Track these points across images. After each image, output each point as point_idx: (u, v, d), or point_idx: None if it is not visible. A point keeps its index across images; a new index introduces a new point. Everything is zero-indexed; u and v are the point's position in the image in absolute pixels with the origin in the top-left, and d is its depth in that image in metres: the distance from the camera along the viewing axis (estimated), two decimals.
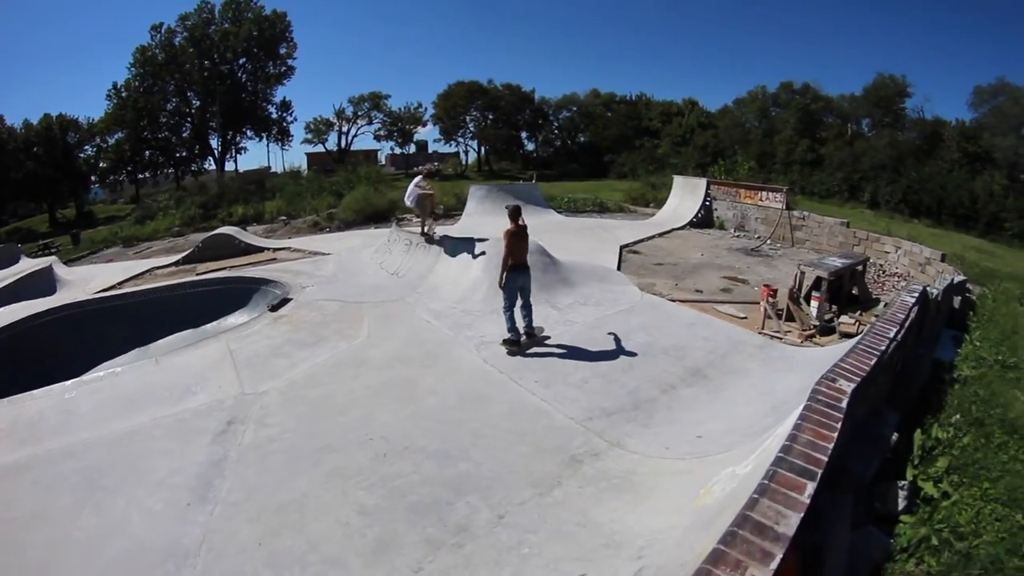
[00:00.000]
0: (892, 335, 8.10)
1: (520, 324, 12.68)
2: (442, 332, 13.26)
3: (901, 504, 7.09)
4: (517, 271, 12.47)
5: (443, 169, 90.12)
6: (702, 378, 10.73)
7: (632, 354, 11.86)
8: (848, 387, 5.89)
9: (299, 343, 12.89)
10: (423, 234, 19.25)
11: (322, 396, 10.24)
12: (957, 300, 16.00)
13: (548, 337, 13.06)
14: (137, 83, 74.41)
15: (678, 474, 7.34)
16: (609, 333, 12.94)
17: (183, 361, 12.18)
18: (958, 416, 9.00)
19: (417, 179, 19.77)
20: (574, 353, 12.01)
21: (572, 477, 7.60)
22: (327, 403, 9.97)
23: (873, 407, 7.96)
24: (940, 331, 14.30)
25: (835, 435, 4.93)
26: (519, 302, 12.71)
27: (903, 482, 7.32)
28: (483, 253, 16.30)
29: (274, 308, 15.39)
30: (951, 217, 49.79)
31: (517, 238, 12.46)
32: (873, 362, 6.83)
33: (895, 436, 7.68)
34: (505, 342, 12.47)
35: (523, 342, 12.55)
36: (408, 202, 19.59)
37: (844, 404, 5.50)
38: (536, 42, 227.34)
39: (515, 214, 12.65)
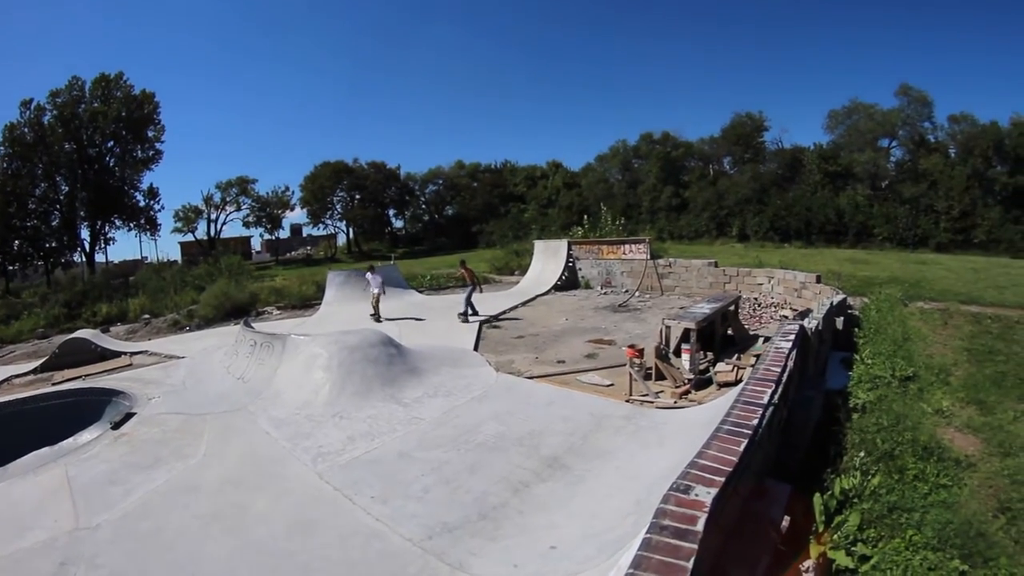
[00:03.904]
0: (767, 399, 6.85)
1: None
2: (279, 445, 12.00)
3: None
4: (473, 287, 23.84)
5: (314, 254, 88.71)
6: (560, 468, 9.72)
7: (481, 450, 10.72)
8: (707, 496, 4.48)
9: (136, 466, 11.60)
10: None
11: (153, 529, 9.05)
12: (839, 320, 15.41)
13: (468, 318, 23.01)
14: (5, 165, 69.08)
15: None
16: (457, 428, 11.96)
17: (22, 491, 11.04)
18: (863, 455, 8.17)
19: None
20: (417, 457, 10.76)
21: None
22: (156, 538, 8.78)
23: (754, 489, 6.61)
24: (827, 358, 13.44)
25: None
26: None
27: (807, 563, 6.16)
28: (325, 351, 15.24)
29: (116, 425, 14.03)
30: (821, 235, 50.90)
31: (471, 273, 24.75)
32: (743, 447, 5.51)
33: (786, 520, 6.31)
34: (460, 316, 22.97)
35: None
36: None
37: (700, 526, 4.08)
38: (399, 118, 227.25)
39: (463, 263, 26.25)
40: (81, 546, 8.60)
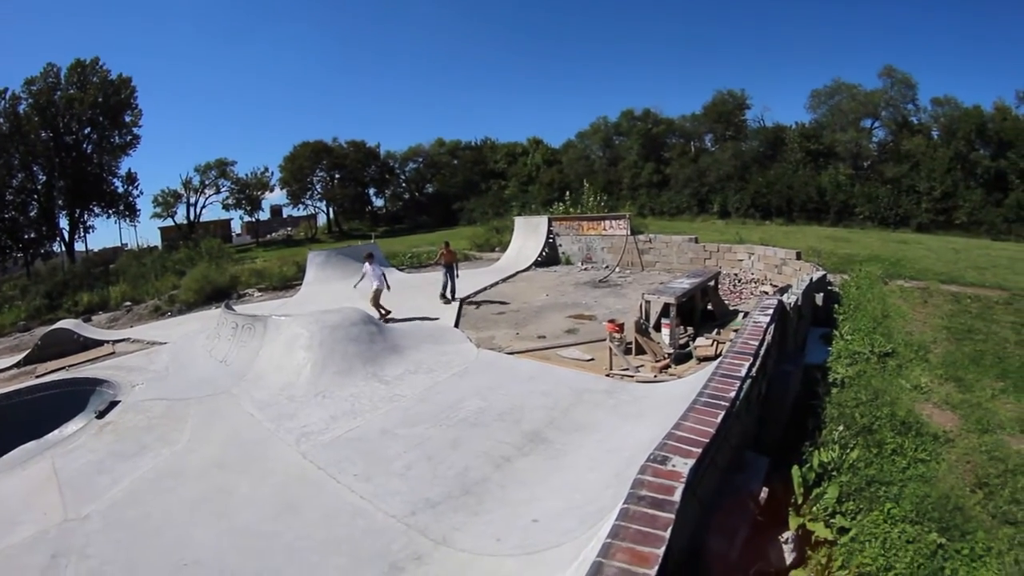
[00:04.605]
0: (744, 372, 6.89)
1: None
2: (263, 427, 12.06)
3: (789, 559, 6.06)
4: (451, 267, 22.87)
5: (294, 234, 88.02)
6: (541, 443, 9.81)
7: (463, 425, 10.78)
8: (684, 467, 4.52)
9: (121, 455, 11.61)
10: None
11: (140, 517, 9.11)
12: (819, 297, 15.47)
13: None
14: None
15: None
16: (439, 404, 12.04)
17: (10, 486, 11.04)
18: (841, 428, 8.20)
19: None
20: (400, 434, 10.81)
21: None
22: (145, 525, 8.87)
23: (732, 461, 6.63)
24: (806, 334, 13.51)
25: (661, 552, 3.56)
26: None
27: (786, 534, 6.18)
28: (306, 331, 15.22)
29: (101, 414, 14.01)
30: (802, 213, 50.93)
31: (451, 255, 23.40)
32: (720, 419, 5.54)
33: (764, 491, 6.35)
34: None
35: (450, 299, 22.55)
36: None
37: (677, 496, 4.11)
38: (379, 96, 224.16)
39: (447, 244, 23.80)
40: (71, 537, 8.65)
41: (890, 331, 12.51)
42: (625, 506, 4.09)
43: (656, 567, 3.45)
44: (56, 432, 13.79)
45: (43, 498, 10.14)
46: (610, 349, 13.47)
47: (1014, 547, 5.63)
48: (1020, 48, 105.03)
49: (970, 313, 14.45)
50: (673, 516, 3.92)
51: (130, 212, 79.04)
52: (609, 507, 5.57)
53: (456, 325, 18.91)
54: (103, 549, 8.28)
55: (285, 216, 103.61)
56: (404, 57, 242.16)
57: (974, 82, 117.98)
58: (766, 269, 23.16)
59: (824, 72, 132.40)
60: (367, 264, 21.61)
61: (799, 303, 12.34)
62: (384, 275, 21.55)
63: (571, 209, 39.71)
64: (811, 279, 15.32)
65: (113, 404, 14.50)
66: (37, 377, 18.90)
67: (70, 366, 20.00)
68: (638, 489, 4.26)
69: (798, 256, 21.96)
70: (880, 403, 8.74)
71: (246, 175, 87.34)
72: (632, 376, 12.67)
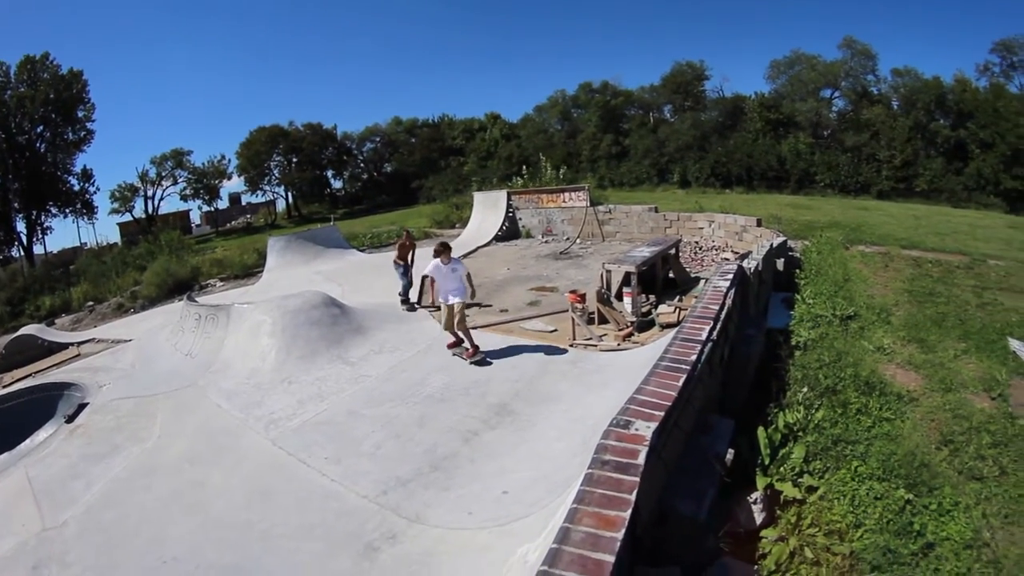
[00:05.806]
0: (705, 336, 6.94)
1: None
2: (231, 416, 12.03)
3: (759, 519, 6.18)
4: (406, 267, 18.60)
5: (254, 221, 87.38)
6: (508, 415, 9.86)
7: (428, 402, 10.85)
8: (648, 430, 4.57)
9: (94, 457, 11.45)
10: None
11: (117, 518, 9.04)
12: (780, 262, 15.57)
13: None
14: None
15: (480, 551, 6.46)
16: (404, 382, 12.09)
17: None
18: (806, 390, 8.35)
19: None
20: (367, 414, 10.85)
21: (369, 572, 6.63)
22: (121, 526, 8.81)
23: (697, 424, 6.67)
24: (768, 298, 13.61)
25: (627, 515, 3.59)
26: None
27: (755, 495, 6.26)
28: (269, 317, 15.20)
29: (70, 419, 13.76)
30: (763, 181, 51.39)
31: (407, 248, 18.75)
32: (681, 382, 5.57)
33: (730, 453, 6.38)
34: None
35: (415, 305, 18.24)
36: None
37: (641, 460, 4.14)
38: (333, 78, 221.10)
39: (408, 234, 19.91)
40: (51, 546, 8.61)
41: (852, 295, 12.64)
42: (590, 471, 4.13)
43: (623, 530, 3.48)
44: (27, 441, 13.53)
45: (19, 509, 10.02)
46: (572, 320, 13.55)
47: (981, 501, 5.76)
48: (979, 21, 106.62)
49: (931, 277, 14.58)
50: (638, 479, 3.95)
51: (87, 210, 77.75)
52: (577, 475, 5.59)
53: (419, 303, 18.94)
54: (83, 555, 8.27)
55: (244, 204, 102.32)
56: (358, 37, 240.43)
57: (934, 55, 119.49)
58: (727, 236, 23.20)
59: (783, 43, 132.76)
60: (437, 260, 12.74)
61: (760, 268, 12.41)
62: (464, 278, 12.91)
63: (530, 183, 39.61)
64: (772, 245, 15.39)
65: (82, 407, 14.32)
66: (4, 387, 18.70)
67: (37, 372, 19.76)
68: (602, 454, 4.29)
69: (759, 223, 22.05)
70: (843, 364, 8.90)
71: (203, 164, 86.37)
72: (595, 345, 12.76)
